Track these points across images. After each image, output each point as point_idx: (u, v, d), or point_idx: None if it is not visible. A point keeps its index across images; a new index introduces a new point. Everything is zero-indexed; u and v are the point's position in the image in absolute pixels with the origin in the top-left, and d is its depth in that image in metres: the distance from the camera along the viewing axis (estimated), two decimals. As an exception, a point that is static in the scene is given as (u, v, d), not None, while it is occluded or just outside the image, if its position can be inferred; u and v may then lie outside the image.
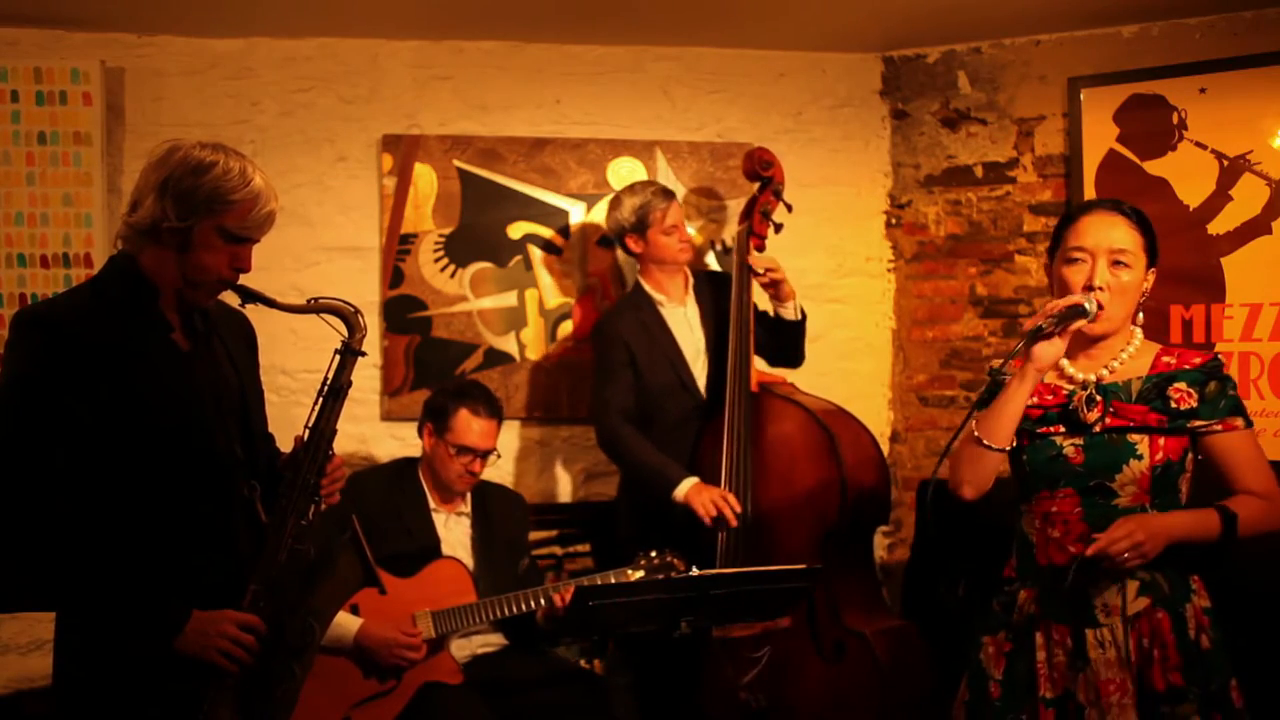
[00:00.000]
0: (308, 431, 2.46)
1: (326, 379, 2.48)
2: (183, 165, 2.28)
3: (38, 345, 2.23)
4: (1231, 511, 2.40)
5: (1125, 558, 2.33)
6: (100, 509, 2.25)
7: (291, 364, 4.26)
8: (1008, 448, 2.46)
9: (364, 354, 2.51)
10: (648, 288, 4.04)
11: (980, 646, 2.60)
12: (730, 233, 4.53)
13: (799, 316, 3.98)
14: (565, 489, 4.54)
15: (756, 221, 3.99)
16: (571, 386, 4.49)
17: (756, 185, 4.06)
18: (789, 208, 4.03)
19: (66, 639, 2.35)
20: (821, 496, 3.69)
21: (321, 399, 2.47)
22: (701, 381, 3.97)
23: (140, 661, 2.27)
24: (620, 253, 4.51)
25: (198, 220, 2.28)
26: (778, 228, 4.03)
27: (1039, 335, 2.40)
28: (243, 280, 2.39)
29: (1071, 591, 2.44)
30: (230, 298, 2.45)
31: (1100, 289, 2.44)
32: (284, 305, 2.44)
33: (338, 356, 2.48)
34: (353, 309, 2.50)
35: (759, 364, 3.98)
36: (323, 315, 2.48)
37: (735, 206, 4.55)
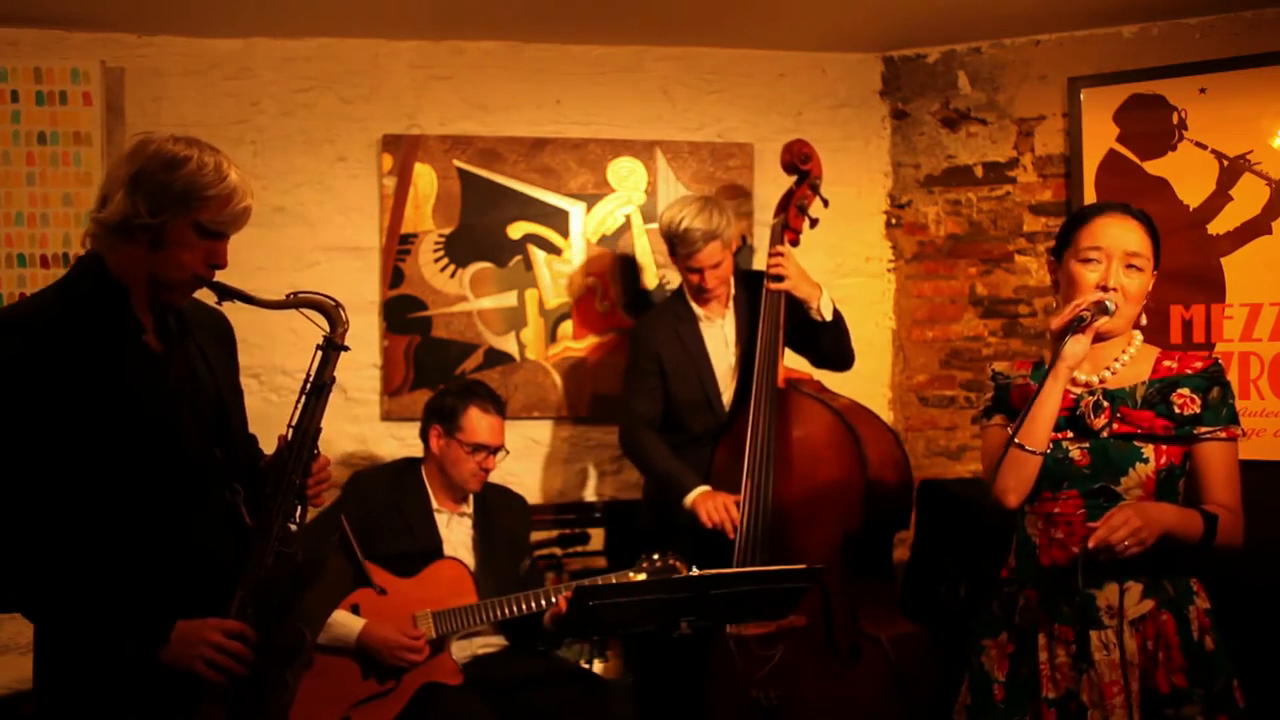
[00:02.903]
0: (291, 431, 2.38)
1: (309, 375, 2.40)
2: (155, 160, 2.21)
3: (4, 351, 2.15)
4: (1213, 514, 2.43)
5: (1125, 545, 2.33)
6: (76, 518, 2.17)
7: (291, 364, 4.26)
8: (1048, 450, 2.46)
9: (347, 348, 2.43)
10: (689, 299, 3.96)
11: (981, 650, 2.60)
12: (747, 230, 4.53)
13: (827, 317, 3.84)
14: (565, 489, 4.54)
15: (792, 215, 3.89)
16: (571, 386, 4.49)
17: (794, 179, 3.95)
18: (825, 202, 3.92)
19: (45, 648, 2.27)
20: (844, 497, 3.63)
21: (304, 396, 2.39)
22: (728, 399, 3.91)
23: (124, 674, 2.20)
24: (619, 254, 4.52)
25: (171, 216, 2.21)
26: (813, 223, 3.91)
27: (1080, 325, 2.41)
28: (221, 277, 2.32)
29: (1084, 590, 2.44)
30: (206, 296, 2.38)
31: (1114, 289, 2.46)
32: (262, 301, 2.36)
33: (320, 352, 2.41)
34: (334, 302, 2.42)
35: (788, 360, 3.92)
36: (303, 310, 2.40)
37: (736, 206, 4.55)
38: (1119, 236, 2.49)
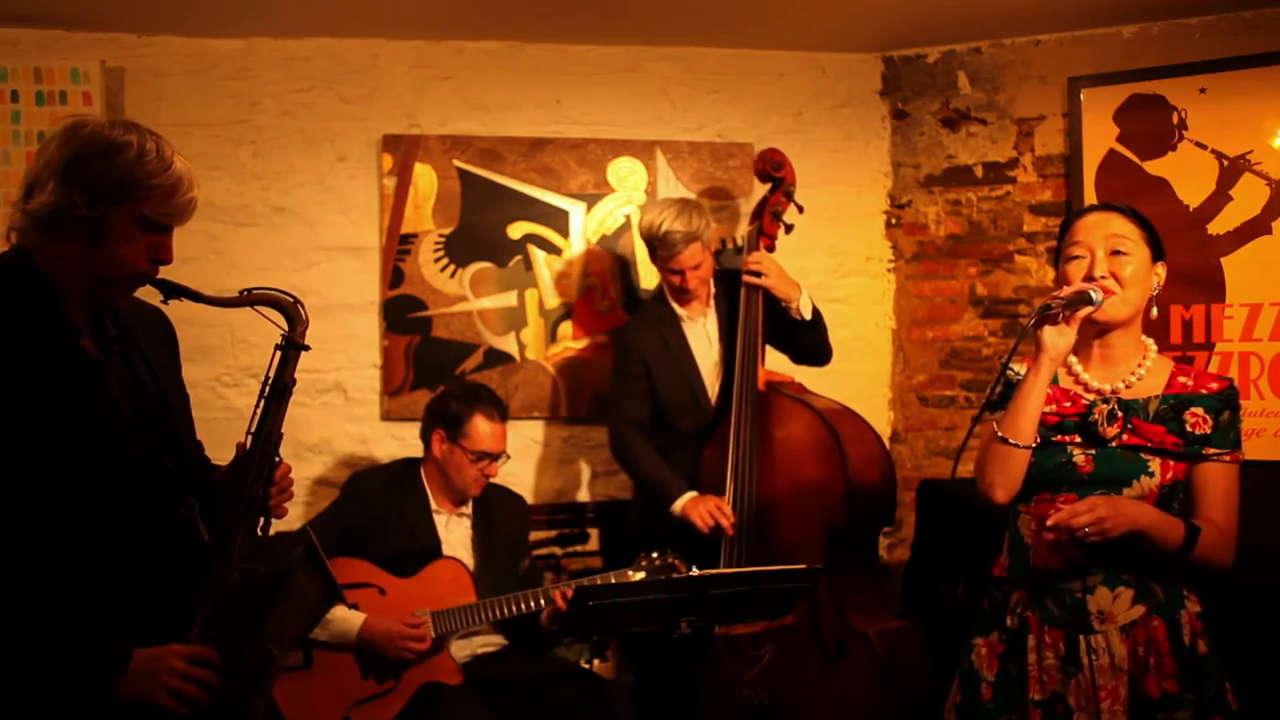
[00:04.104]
0: (250, 438, 2.19)
1: (268, 378, 2.21)
2: (91, 145, 2.02)
3: None
4: (1196, 528, 2.42)
5: (1085, 532, 2.33)
6: (14, 541, 1.98)
7: (291, 364, 4.25)
8: (1034, 444, 2.45)
9: (307, 348, 2.22)
10: (670, 300, 4.01)
11: (972, 649, 2.59)
12: (739, 232, 4.53)
13: (807, 316, 3.90)
14: (565, 489, 4.54)
15: (767, 222, 3.96)
16: (571, 386, 4.49)
17: (767, 186, 4.03)
18: (800, 208, 4.00)
19: None
20: (826, 495, 3.68)
21: (264, 401, 2.20)
22: (714, 396, 3.96)
23: (72, 708, 2.00)
24: (619, 254, 4.52)
25: (111, 208, 2.01)
26: (788, 228, 4.00)
27: (1046, 315, 2.40)
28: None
29: (1033, 572, 2.45)
30: (151, 294, 2.20)
31: (1102, 276, 2.45)
32: (213, 299, 2.16)
33: (279, 353, 2.21)
34: (291, 299, 2.22)
35: (769, 363, 3.97)
36: (258, 308, 2.20)
37: (737, 206, 4.55)
38: (1098, 227, 2.50)
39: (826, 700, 3.61)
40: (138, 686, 2.00)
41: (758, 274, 3.86)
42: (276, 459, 2.22)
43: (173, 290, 2.14)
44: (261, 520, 2.19)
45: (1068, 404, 2.51)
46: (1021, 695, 2.50)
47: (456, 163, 4.43)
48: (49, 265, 2.06)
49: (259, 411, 2.21)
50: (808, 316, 3.90)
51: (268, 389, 2.21)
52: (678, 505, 3.75)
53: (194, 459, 2.29)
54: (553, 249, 4.49)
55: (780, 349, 4.04)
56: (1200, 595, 2.52)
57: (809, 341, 3.98)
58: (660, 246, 3.86)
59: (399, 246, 4.40)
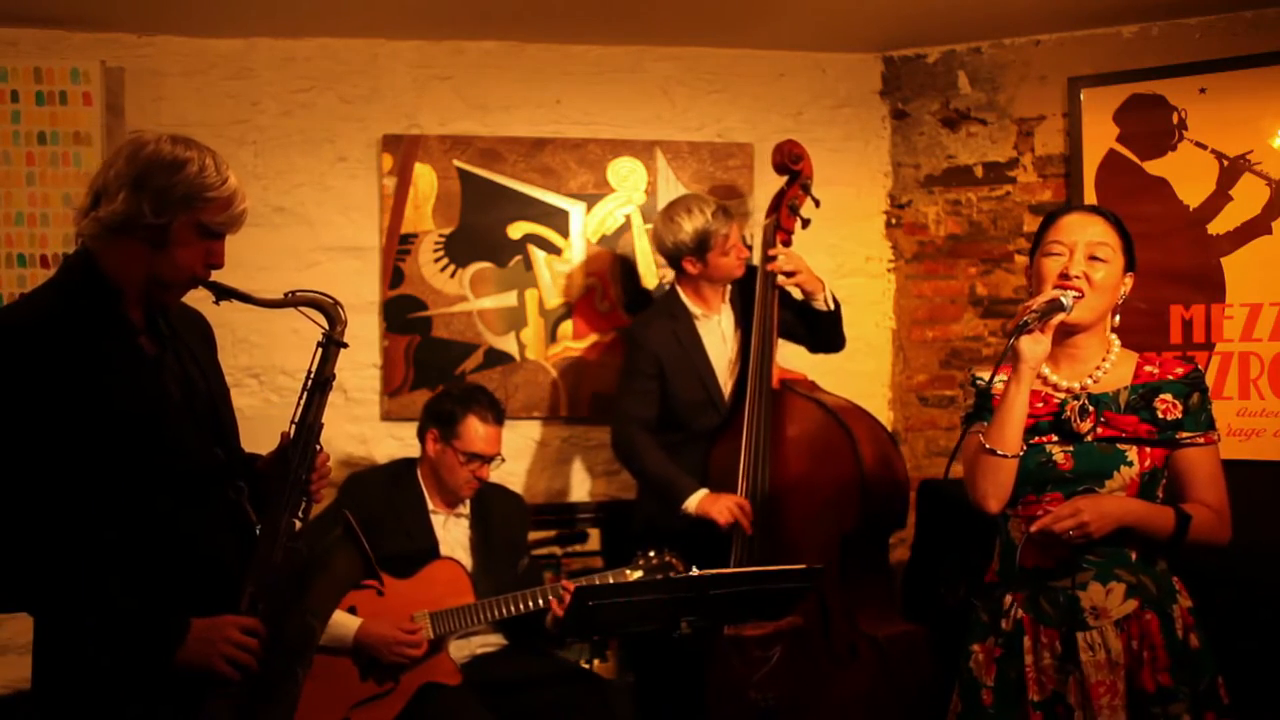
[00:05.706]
0: (294, 427, 2.41)
1: (310, 372, 2.43)
2: (156, 161, 2.23)
3: (5, 356, 2.15)
4: (1187, 514, 2.45)
5: (1070, 535, 2.38)
6: (84, 522, 2.18)
7: (292, 363, 4.27)
8: (1021, 453, 2.46)
9: (346, 345, 2.46)
10: (685, 299, 3.98)
11: (969, 655, 2.60)
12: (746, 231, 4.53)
13: (830, 307, 3.92)
14: (565, 489, 4.54)
15: (784, 216, 3.94)
16: (571, 386, 4.49)
17: (785, 179, 4.00)
18: (817, 202, 3.98)
19: (44, 648, 2.27)
20: (840, 495, 3.65)
21: (307, 393, 2.42)
22: (728, 393, 3.94)
23: (130, 673, 2.21)
24: (619, 254, 4.52)
25: (176, 216, 2.23)
26: (805, 223, 3.97)
27: (1023, 330, 2.42)
28: (221, 277, 2.34)
29: (1024, 573, 2.47)
30: (198, 296, 2.39)
31: (1076, 277, 2.47)
32: (260, 300, 2.39)
33: (320, 349, 2.44)
34: (332, 300, 2.45)
35: (782, 360, 3.95)
36: (301, 309, 2.44)
37: (736, 206, 4.55)
38: (1080, 229, 2.52)
39: (834, 702, 3.59)
40: (196, 652, 2.20)
41: (791, 272, 3.86)
42: (317, 446, 2.41)
43: (224, 292, 2.35)
44: (304, 503, 2.39)
45: (1040, 404, 2.52)
46: (1021, 698, 2.50)
47: (456, 163, 4.43)
48: (112, 267, 2.26)
49: (302, 402, 2.41)
50: (831, 308, 3.92)
51: (310, 383, 2.42)
52: (691, 503, 3.72)
53: (238, 447, 2.47)
54: (553, 249, 4.49)
55: (796, 341, 4.03)
56: (1192, 590, 2.53)
57: (829, 332, 3.98)
58: (713, 237, 3.85)
59: (399, 246, 4.40)
